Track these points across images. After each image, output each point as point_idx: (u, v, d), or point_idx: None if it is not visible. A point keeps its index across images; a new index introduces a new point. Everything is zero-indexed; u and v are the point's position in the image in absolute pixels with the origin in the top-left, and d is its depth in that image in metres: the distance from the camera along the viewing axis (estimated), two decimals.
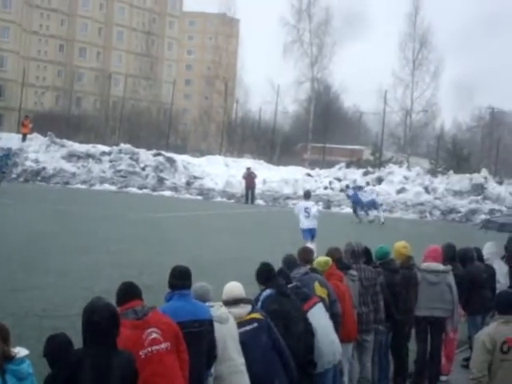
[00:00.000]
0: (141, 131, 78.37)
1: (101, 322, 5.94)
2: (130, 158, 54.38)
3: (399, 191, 51.45)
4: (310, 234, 23.57)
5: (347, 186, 46.33)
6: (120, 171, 52.94)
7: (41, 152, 54.19)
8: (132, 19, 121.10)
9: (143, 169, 53.88)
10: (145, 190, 50.34)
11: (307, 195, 25.69)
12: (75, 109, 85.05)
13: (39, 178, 51.01)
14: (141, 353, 6.63)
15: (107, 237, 25.34)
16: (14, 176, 50.17)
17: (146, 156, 55.16)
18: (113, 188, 50.10)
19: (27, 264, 18.83)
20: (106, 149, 56.27)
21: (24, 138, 56.11)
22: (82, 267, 18.97)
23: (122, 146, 56.30)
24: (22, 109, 70.72)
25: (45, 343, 6.40)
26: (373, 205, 40.65)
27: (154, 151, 56.59)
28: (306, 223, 23.80)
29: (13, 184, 46.33)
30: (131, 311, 6.77)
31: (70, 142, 56.74)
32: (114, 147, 56.39)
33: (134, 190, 50.21)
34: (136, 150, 55.79)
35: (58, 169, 52.27)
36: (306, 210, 23.97)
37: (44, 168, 51.94)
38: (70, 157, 54.35)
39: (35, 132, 57.17)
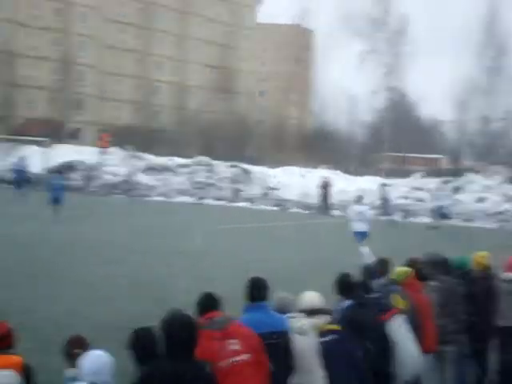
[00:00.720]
0: (217, 143, 78.95)
1: (179, 333, 5.98)
2: (207, 170, 54.82)
3: (479, 200, 50.69)
4: (363, 236, 24.86)
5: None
6: (197, 183, 53.41)
7: (119, 165, 55.00)
8: (208, 32, 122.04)
9: (219, 180, 54.23)
10: (221, 202, 50.62)
11: (359, 200, 27.65)
12: (152, 122, 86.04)
13: (118, 191, 51.68)
14: (221, 364, 6.64)
15: (185, 249, 25.56)
16: (92, 189, 51.02)
17: (222, 168, 55.51)
18: (190, 200, 50.51)
19: (106, 276, 19.14)
20: (183, 161, 56.79)
21: (103, 152, 57.01)
22: (159, 279, 19.17)
23: (199, 158, 56.76)
24: (100, 123, 71.88)
25: (131, 336, 6.39)
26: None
27: (230, 163, 56.89)
28: (359, 226, 25.10)
29: (91, 197, 47.03)
30: (211, 322, 6.80)
31: (147, 155, 57.47)
32: (191, 159, 56.88)
33: (211, 201, 50.56)
34: (212, 161, 56.21)
35: (137, 182, 52.97)
36: (361, 213, 25.42)
37: (122, 181, 52.65)
38: (148, 170, 55.08)
39: (113, 146, 58.09)
